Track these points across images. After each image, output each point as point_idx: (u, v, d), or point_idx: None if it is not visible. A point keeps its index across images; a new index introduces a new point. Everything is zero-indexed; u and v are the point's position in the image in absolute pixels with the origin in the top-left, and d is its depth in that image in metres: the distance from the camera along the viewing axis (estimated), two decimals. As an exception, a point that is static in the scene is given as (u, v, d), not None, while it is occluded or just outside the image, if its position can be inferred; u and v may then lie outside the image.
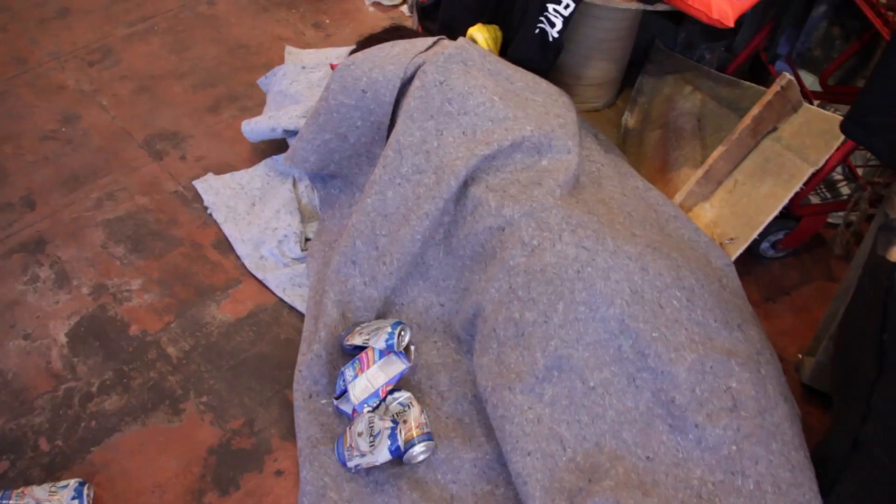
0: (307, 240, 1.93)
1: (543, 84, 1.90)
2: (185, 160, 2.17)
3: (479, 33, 2.01)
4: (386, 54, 1.81)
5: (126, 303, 1.83)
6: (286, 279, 1.84)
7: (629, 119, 2.31)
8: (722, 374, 1.51)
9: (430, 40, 1.86)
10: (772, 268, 2.08)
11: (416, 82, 1.75)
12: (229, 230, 1.95)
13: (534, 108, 1.79)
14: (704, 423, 1.47)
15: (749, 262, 2.05)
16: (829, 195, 2.15)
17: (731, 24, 1.73)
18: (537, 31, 1.90)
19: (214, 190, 2.07)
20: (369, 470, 1.50)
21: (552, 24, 1.87)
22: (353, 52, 2.04)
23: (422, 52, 1.80)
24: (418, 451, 1.49)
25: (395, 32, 2.05)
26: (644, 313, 1.54)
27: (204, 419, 1.62)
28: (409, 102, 1.73)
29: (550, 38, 1.89)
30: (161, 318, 1.80)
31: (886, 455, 1.35)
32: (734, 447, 1.46)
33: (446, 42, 1.86)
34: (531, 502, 1.39)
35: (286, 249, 1.89)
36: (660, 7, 1.81)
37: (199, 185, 2.08)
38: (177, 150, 2.19)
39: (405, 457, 1.49)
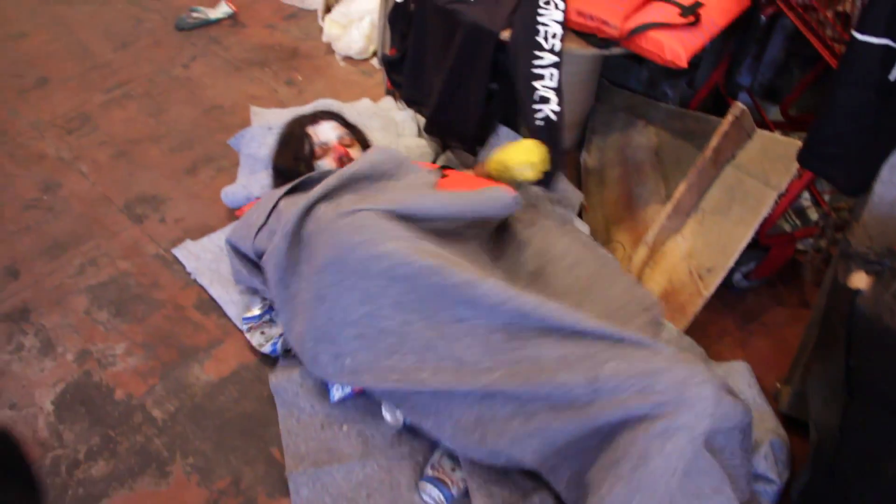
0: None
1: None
2: (165, 223, 2.20)
3: (531, 169, 1.90)
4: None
5: (111, 367, 1.85)
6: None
7: (587, 158, 2.37)
8: None
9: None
10: (746, 298, 2.12)
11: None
12: (216, 292, 1.98)
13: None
14: None
15: (723, 293, 2.08)
16: (798, 222, 2.20)
17: (685, 65, 1.79)
18: (541, 121, 1.90)
19: (195, 255, 2.10)
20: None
21: (547, 101, 1.88)
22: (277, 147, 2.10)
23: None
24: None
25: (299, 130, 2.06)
26: None
27: (191, 481, 1.63)
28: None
29: (554, 118, 1.90)
30: (146, 381, 1.82)
31: (859, 481, 1.38)
32: None
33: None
34: None
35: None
36: (615, 51, 1.87)
37: (178, 252, 2.12)
38: (156, 213, 2.23)
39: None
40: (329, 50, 2.90)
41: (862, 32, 1.51)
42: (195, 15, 3.00)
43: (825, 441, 1.51)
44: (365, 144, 2.09)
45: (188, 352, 1.88)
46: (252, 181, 2.12)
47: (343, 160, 1.97)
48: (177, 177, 2.35)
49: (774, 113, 2.45)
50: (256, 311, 1.90)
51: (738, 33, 2.13)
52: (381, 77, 2.76)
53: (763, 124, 2.26)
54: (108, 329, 1.93)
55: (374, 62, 2.82)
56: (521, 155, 1.87)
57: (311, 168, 2.00)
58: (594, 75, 2.27)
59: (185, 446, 1.69)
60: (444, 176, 1.93)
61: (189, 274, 2.06)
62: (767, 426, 1.74)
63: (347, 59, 2.84)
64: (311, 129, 2.02)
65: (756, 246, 2.04)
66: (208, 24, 3.01)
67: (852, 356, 1.40)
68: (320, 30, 2.99)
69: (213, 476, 1.64)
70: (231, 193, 2.15)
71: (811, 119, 2.37)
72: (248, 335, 1.88)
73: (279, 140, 2.07)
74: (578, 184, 2.30)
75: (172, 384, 1.81)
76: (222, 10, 3.02)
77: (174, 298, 2.00)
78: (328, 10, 2.96)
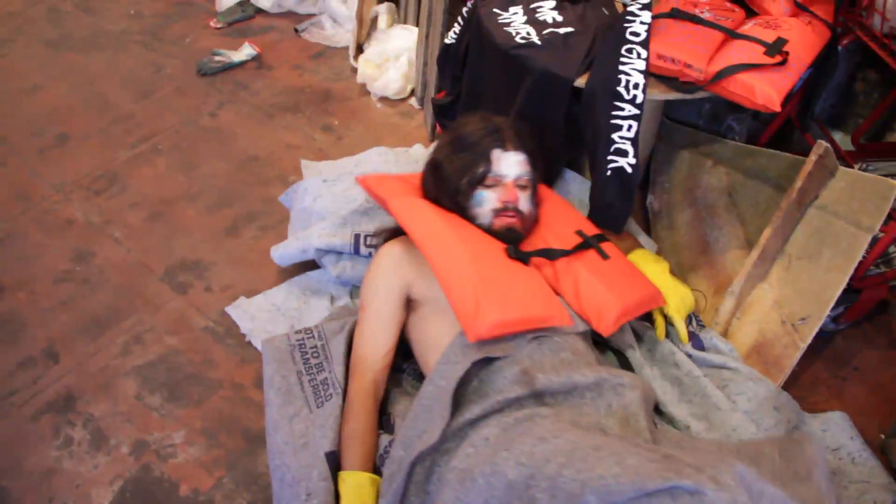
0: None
1: None
2: (212, 291, 2.06)
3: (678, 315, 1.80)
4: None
5: (171, 459, 1.70)
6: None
7: (654, 201, 2.24)
8: None
9: None
10: (835, 342, 2.00)
11: None
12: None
13: None
14: None
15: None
16: (881, 265, 2.08)
17: (779, 109, 1.67)
18: (609, 171, 1.77)
19: (249, 315, 1.97)
20: None
21: (624, 154, 1.75)
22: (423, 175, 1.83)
23: None
24: None
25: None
26: None
27: (275, 589, 1.49)
28: None
29: (629, 170, 1.76)
30: (212, 474, 1.67)
31: None
32: None
33: None
34: None
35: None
36: (700, 96, 1.75)
37: (232, 311, 1.98)
38: (201, 280, 2.09)
39: None
40: (363, 91, 2.77)
41: None
42: (217, 58, 2.86)
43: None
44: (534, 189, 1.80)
45: (254, 437, 1.74)
46: (310, 233, 1.97)
47: (506, 210, 1.70)
48: (218, 239, 2.21)
49: (840, 140, 2.34)
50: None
51: (817, 65, 2.02)
52: (421, 118, 2.63)
53: (838, 156, 2.14)
54: (162, 415, 1.79)
55: (413, 102, 2.69)
56: (678, 302, 1.80)
57: (460, 195, 1.72)
58: (657, 114, 2.15)
59: (263, 548, 1.55)
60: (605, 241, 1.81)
61: (244, 336, 1.93)
62: (878, 482, 1.62)
63: (383, 99, 2.71)
64: (496, 154, 1.70)
65: (846, 289, 1.92)
66: (232, 67, 2.87)
67: None
68: (351, 69, 2.85)
69: (300, 584, 1.49)
70: (283, 248, 2.01)
71: (884, 147, 2.27)
72: None
73: (451, 142, 1.76)
74: (646, 228, 2.18)
75: (241, 475, 1.67)
76: (245, 52, 2.89)
77: (231, 377, 1.86)
78: (359, 48, 2.83)
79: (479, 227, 1.70)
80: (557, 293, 1.69)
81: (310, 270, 2.06)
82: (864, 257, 1.83)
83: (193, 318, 2.00)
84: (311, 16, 3.13)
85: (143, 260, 2.15)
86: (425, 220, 1.65)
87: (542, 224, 1.80)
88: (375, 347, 1.65)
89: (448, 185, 1.72)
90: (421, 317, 1.67)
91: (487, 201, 1.70)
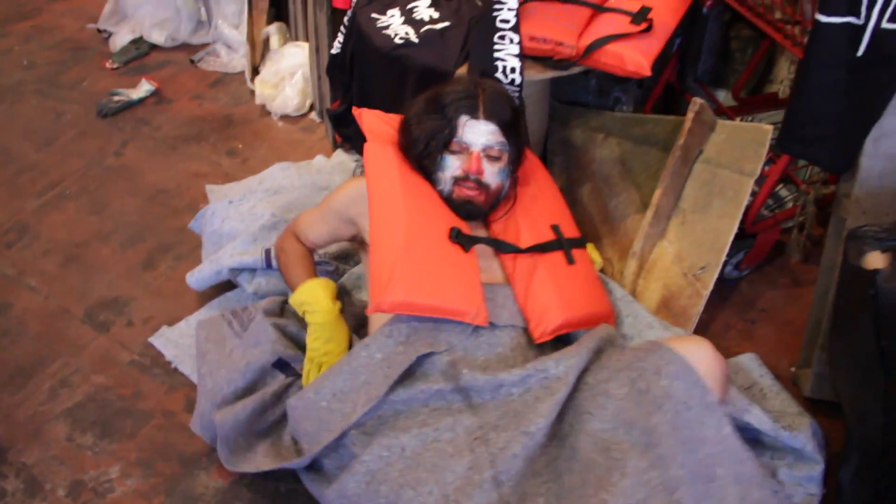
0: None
1: None
2: (133, 325, 2.07)
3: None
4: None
5: (109, 494, 1.71)
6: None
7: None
8: None
9: None
10: (741, 288, 2.11)
11: None
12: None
13: None
14: None
15: (718, 287, 2.04)
16: (771, 203, 2.19)
17: (649, 73, 1.76)
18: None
19: (173, 343, 1.99)
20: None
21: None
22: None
23: None
24: None
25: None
26: None
27: None
28: None
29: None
30: (151, 502, 1.69)
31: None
32: None
33: None
34: None
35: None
36: (575, 71, 1.83)
37: (155, 341, 2.00)
38: (121, 316, 2.10)
39: None
40: (264, 112, 2.80)
41: (826, 14, 1.50)
42: (116, 98, 2.87)
43: (868, 424, 1.48)
44: (516, 163, 1.74)
45: (190, 460, 1.76)
46: (221, 255, 2.00)
47: (467, 180, 1.66)
48: (134, 274, 2.22)
49: (724, 98, 2.45)
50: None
51: (684, 28, 2.13)
52: (322, 131, 2.68)
53: (720, 112, 2.26)
54: (96, 453, 1.79)
55: (314, 116, 2.73)
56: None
57: (425, 157, 1.67)
58: (545, 94, 2.23)
59: (209, 566, 1.57)
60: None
61: (170, 363, 1.95)
62: (792, 411, 1.71)
63: (285, 118, 2.75)
64: (463, 120, 1.64)
65: (742, 235, 2.02)
66: (132, 105, 2.88)
67: (884, 337, 1.37)
68: (250, 92, 2.88)
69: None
70: (198, 273, 2.03)
71: (763, 98, 2.40)
72: None
73: (425, 101, 1.68)
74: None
75: (181, 498, 1.68)
76: (144, 89, 2.89)
77: (161, 405, 1.87)
78: (255, 71, 2.86)
79: (440, 193, 1.68)
80: (510, 282, 1.67)
81: (227, 291, 2.08)
82: (751, 201, 1.94)
83: (118, 354, 2.00)
84: (205, 45, 3.15)
85: (62, 304, 2.15)
86: (384, 175, 1.66)
87: (518, 206, 1.75)
88: (308, 232, 1.82)
89: (415, 145, 1.67)
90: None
91: (449, 168, 1.65)
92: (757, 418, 1.58)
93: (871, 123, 1.55)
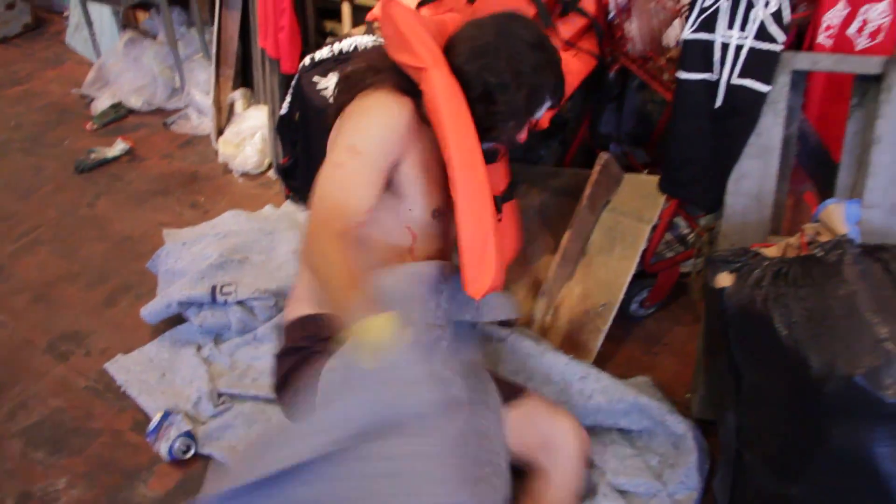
0: (220, 395, 2.05)
1: None
2: (91, 355, 2.26)
3: None
4: None
5: (55, 503, 1.87)
6: (204, 436, 1.95)
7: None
8: None
9: None
10: (646, 324, 2.30)
11: None
12: (144, 401, 2.06)
13: None
14: None
15: (626, 324, 2.26)
16: (682, 248, 2.41)
17: (546, 124, 2.00)
18: None
19: (125, 369, 2.18)
20: None
21: None
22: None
23: None
24: None
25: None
26: None
27: None
28: None
29: None
30: (92, 509, 1.85)
31: (757, 457, 1.53)
32: None
33: None
34: None
35: (201, 410, 1.99)
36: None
37: (110, 367, 2.19)
38: (80, 348, 2.29)
39: None
40: (227, 169, 3.05)
41: (686, 71, 1.76)
42: (93, 156, 3.11)
43: (727, 427, 1.66)
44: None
45: (131, 473, 1.93)
46: (171, 290, 2.21)
47: None
48: (97, 311, 2.42)
49: (643, 157, 2.70)
50: (156, 419, 1.98)
51: (595, 91, 2.39)
52: (279, 187, 2.92)
53: (632, 168, 2.49)
54: (46, 467, 1.96)
55: (271, 174, 2.98)
56: None
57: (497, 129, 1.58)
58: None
59: (140, 562, 1.73)
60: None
61: (119, 387, 2.13)
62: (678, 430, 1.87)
63: (245, 175, 3.00)
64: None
65: (645, 275, 2.23)
66: (107, 162, 3.12)
67: (732, 345, 1.58)
68: (216, 152, 3.14)
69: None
70: (151, 308, 2.24)
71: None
72: (155, 448, 1.95)
73: (513, 74, 1.52)
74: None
75: (120, 507, 1.85)
76: (119, 148, 3.15)
77: (110, 425, 2.05)
78: (220, 132, 3.12)
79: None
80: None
81: (179, 325, 2.28)
82: (647, 245, 2.16)
83: (75, 381, 2.19)
84: (178, 110, 3.42)
85: (27, 336, 2.34)
86: (463, 128, 1.50)
87: None
88: (358, 198, 1.42)
89: (496, 114, 1.55)
90: (380, 206, 1.49)
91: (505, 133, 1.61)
92: (646, 402, 1.82)
93: (732, 166, 1.79)
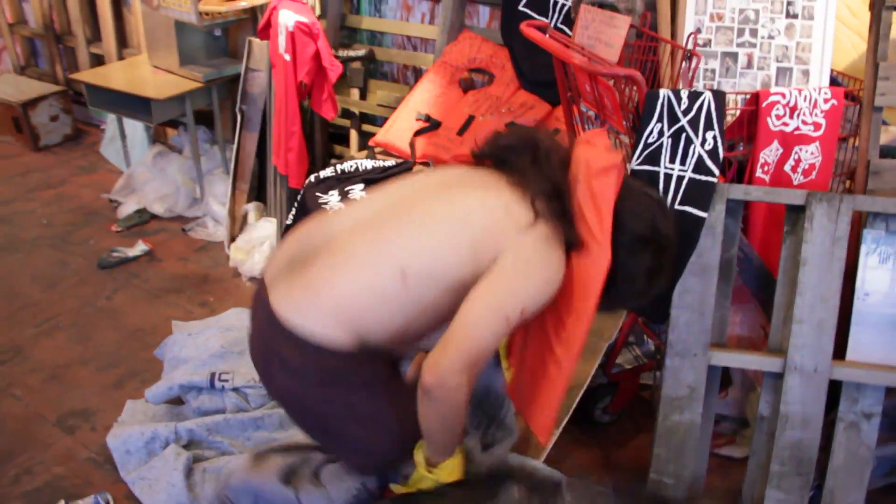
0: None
1: None
2: (96, 430, 2.46)
3: None
4: None
5: (48, 561, 2.03)
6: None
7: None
8: None
9: None
10: (609, 430, 2.50)
11: None
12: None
13: None
14: None
15: (588, 429, 2.46)
16: (645, 360, 2.63)
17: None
18: None
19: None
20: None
21: None
22: None
23: None
24: None
25: None
26: None
27: None
28: None
29: None
30: (82, 567, 2.01)
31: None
32: None
33: None
34: None
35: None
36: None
37: (110, 440, 2.33)
38: (87, 423, 2.49)
39: None
40: (236, 273, 3.33)
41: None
42: (115, 254, 3.41)
43: None
44: None
45: (121, 534, 2.09)
46: (174, 374, 2.43)
47: None
48: (106, 392, 2.63)
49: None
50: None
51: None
52: (283, 288, 3.18)
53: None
54: (42, 528, 2.13)
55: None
56: None
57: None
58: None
59: None
60: None
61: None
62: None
63: (253, 279, 3.27)
64: None
65: (610, 384, 2.45)
66: (128, 261, 3.41)
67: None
68: (227, 257, 3.43)
69: None
70: (154, 389, 2.45)
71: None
72: None
73: (654, 251, 1.71)
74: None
75: (107, 565, 2.01)
76: (140, 248, 3.45)
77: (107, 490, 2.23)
78: (233, 239, 3.42)
79: None
80: None
81: (178, 406, 2.49)
82: (608, 357, 2.39)
83: (78, 452, 2.38)
84: (196, 218, 3.74)
85: (38, 411, 2.55)
86: (594, 302, 1.62)
87: None
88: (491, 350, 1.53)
89: (619, 295, 1.69)
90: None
91: None
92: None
93: (676, 282, 2.04)
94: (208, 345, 2.55)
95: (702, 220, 1.97)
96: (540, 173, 1.63)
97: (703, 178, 1.96)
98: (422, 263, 1.52)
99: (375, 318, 1.51)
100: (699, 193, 1.97)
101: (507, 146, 1.71)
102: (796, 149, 2.04)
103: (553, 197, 1.62)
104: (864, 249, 2.00)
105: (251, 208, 3.43)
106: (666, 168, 1.97)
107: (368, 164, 2.64)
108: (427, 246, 1.54)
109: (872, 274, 2.00)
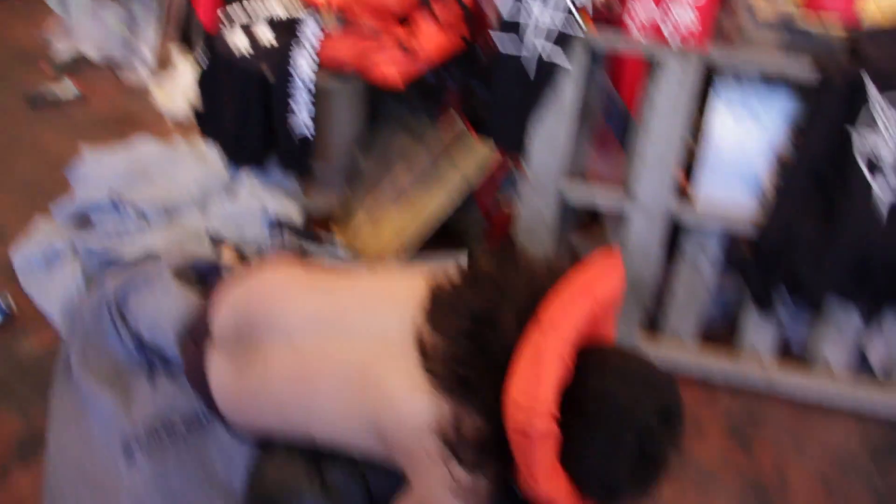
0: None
1: None
2: (7, 246, 2.61)
3: None
4: None
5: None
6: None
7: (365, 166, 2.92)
8: None
9: None
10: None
11: None
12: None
13: None
14: None
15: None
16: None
17: (401, 85, 2.40)
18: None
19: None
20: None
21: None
22: None
23: None
24: None
25: None
26: None
27: None
28: None
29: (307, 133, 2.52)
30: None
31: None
32: None
33: None
34: None
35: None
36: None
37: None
38: (2, 242, 2.65)
39: None
40: (161, 115, 3.49)
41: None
42: (45, 94, 3.53)
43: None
44: None
45: None
46: (81, 194, 2.61)
47: None
48: (20, 211, 2.76)
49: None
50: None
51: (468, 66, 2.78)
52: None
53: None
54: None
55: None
56: None
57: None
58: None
59: None
60: None
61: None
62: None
63: (175, 120, 3.42)
64: None
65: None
66: (58, 101, 3.53)
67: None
68: (154, 100, 3.55)
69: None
70: (59, 205, 2.61)
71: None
72: None
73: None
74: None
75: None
76: (70, 90, 3.58)
77: None
78: (159, 83, 3.53)
79: None
80: None
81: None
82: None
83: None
84: (128, 62, 3.85)
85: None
86: None
87: None
88: None
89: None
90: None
91: None
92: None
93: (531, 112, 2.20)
94: (115, 166, 2.69)
95: (565, 69, 2.11)
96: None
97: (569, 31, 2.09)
98: (329, 435, 1.53)
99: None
100: (564, 44, 2.10)
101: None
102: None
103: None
104: (715, 101, 2.13)
105: (177, 53, 3.52)
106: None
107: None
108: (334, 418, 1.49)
109: (721, 123, 2.13)
